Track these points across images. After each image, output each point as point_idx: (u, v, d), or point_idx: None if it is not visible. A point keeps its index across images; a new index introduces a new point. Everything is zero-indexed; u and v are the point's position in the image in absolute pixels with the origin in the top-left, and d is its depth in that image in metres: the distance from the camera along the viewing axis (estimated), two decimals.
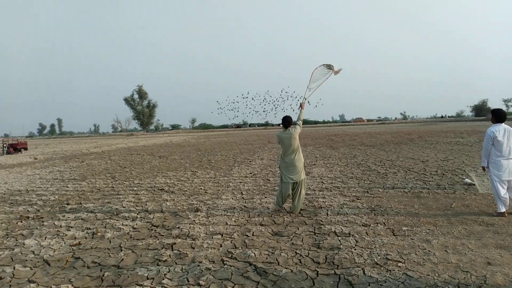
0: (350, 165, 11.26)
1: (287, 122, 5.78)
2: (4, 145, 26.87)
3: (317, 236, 4.61)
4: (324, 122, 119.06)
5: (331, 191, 7.42)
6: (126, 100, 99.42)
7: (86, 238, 4.94)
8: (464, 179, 7.71)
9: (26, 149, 28.40)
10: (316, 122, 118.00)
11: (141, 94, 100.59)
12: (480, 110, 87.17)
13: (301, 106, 6.10)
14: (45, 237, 5.00)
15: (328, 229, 4.83)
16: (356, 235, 4.54)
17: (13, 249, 4.54)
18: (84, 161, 16.70)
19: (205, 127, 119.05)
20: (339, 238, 4.47)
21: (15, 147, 26.91)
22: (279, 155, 15.86)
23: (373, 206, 6.00)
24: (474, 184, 7.25)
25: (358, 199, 6.55)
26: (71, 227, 5.53)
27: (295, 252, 4.06)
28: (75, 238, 4.95)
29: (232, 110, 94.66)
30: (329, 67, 6.24)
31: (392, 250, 4.00)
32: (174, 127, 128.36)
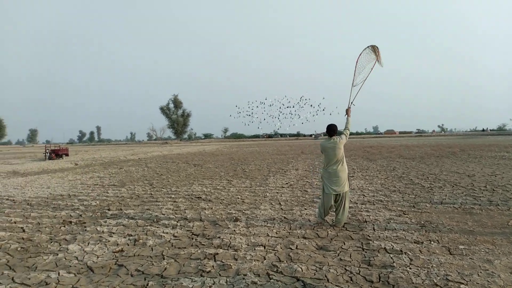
0: (390, 178, 10.82)
1: (332, 130, 5.54)
2: (47, 151, 28.04)
3: (366, 252, 4.35)
4: (357, 133, 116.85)
5: (374, 204, 7.10)
6: (161, 109, 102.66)
7: (128, 244, 4.91)
8: None
9: (67, 155, 29.49)
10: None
11: (176, 103, 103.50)
12: None
13: (347, 113, 5.79)
14: (88, 243, 5.02)
15: (378, 245, 4.56)
16: (409, 253, 4.25)
17: (57, 254, 4.57)
18: (122, 168, 17.07)
19: (236, 136, 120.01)
20: (391, 255, 4.20)
21: (57, 153, 28.00)
22: (314, 166, 15.65)
23: (422, 222, 5.65)
24: None
25: (405, 214, 6.20)
26: (113, 233, 5.54)
27: (345, 269, 3.83)
28: (118, 244, 4.93)
29: (249, 115, 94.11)
30: (374, 49, 5.72)
31: (452, 270, 3.70)
32: (207, 136, 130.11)
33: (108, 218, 6.52)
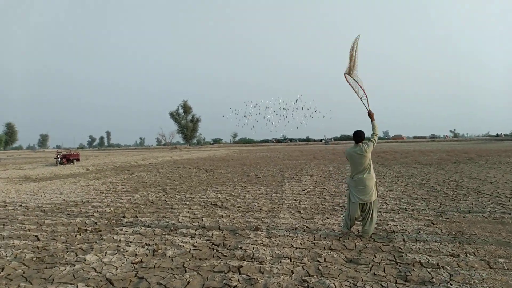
0: (410, 185, 10.50)
1: (359, 137, 5.29)
2: (58, 156, 28.13)
3: (400, 266, 4.08)
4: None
5: (398, 213, 6.81)
6: (171, 114, 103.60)
7: (147, 255, 4.71)
8: None
9: (78, 160, 29.58)
10: (348, 138, 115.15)
11: (186, 108, 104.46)
12: None
13: (370, 116, 5.47)
14: (106, 253, 4.82)
15: (412, 258, 4.28)
16: (447, 267, 3.97)
17: (74, 265, 4.37)
18: (134, 173, 16.96)
19: (245, 141, 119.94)
20: (428, 269, 3.92)
21: (68, 158, 28.09)
22: (329, 172, 15.35)
23: (454, 233, 5.36)
24: None
25: (433, 224, 5.91)
26: (130, 242, 5.35)
27: (381, 285, 3.57)
28: (136, 254, 4.73)
29: (245, 116, 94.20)
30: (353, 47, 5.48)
31: (495, 287, 3.41)
32: (216, 141, 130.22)
33: (124, 226, 6.33)
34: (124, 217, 7.10)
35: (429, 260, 4.19)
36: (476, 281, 3.57)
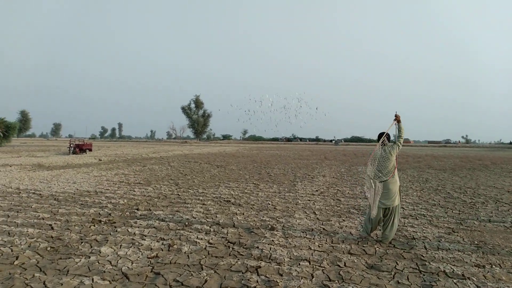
0: (426, 190, 10.28)
1: (384, 139, 5.14)
2: (71, 145, 28.32)
3: (424, 275, 3.93)
4: (369, 140, 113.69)
5: (417, 219, 6.64)
6: (183, 108, 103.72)
7: (162, 250, 4.63)
8: None
9: (90, 150, 29.74)
10: (359, 140, 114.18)
11: (198, 103, 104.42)
12: None
13: (397, 119, 5.21)
14: (120, 245, 4.76)
15: (436, 267, 4.13)
16: (474, 278, 3.82)
17: (89, 257, 4.31)
18: (145, 166, 16.97)
19: (255, 138, 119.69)
20: (454, 280, 3.77)
21: (81, 148, 28.26)
22: (341, 173, 15.17)
23: (476, 242, 5.18)
24: None
25: (454, 232, 5.73)
26: (145, 235, 5.28)
27: None
28: (151, 249, 4.66)
29: (246, 112, 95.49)
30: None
31: None
32: (225, 137, 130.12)
33: (138, 219, 6.27)
34: (138, 209, 7.05)
35: (454, 270, 4.04)
36: None
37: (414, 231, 5.72)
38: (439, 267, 4.12)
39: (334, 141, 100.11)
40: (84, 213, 6.66)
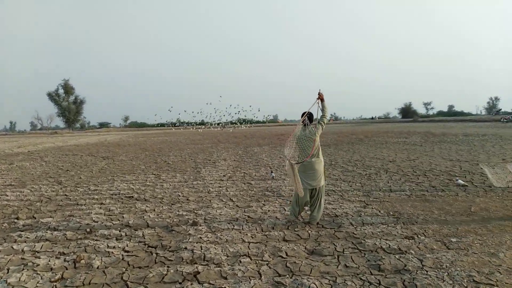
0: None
1: (308, 119, 4.96)
2: None
3: (365, 254, 3.88)
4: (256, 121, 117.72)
5: (329, 195, 6.79)
6: (49, 95, 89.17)
7: (67, 268, 3.69)
8: (457, 180, 7.54)
9: None
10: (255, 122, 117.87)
11: (67, 89, 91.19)
12: (407, 112, 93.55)
13: (320, 97, 5.04)
14: (8, 270, 3.66)
15: (372, 244, 4.13)
16: (412, 251, 3.90)
17: None
18: (12, 163, 14.29)
19: (138, 125, 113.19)
20: (396, 256, 3.79)
21: None
22: (240, 155, 15.06)
23: (392, 213, 5.45)
24: (467, 186, 7.16)
25: (368, 205, 5.97)
26: (38, 251, 4.21)
27: (360, 279, 3.29)
28: (52, 269, 3.68)
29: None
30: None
31: (469, 270, 3.39)
32: (103, 125, 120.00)
33: (21, 231, 5.03)
34: (17, 218, 5.71)
35: (390, 245, 4.09)
36: (447, 264, 3.53)
37: (333, 208, 5.80)
38: (375, 244, 4.13)
39: (221, 124, 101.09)
40: None
